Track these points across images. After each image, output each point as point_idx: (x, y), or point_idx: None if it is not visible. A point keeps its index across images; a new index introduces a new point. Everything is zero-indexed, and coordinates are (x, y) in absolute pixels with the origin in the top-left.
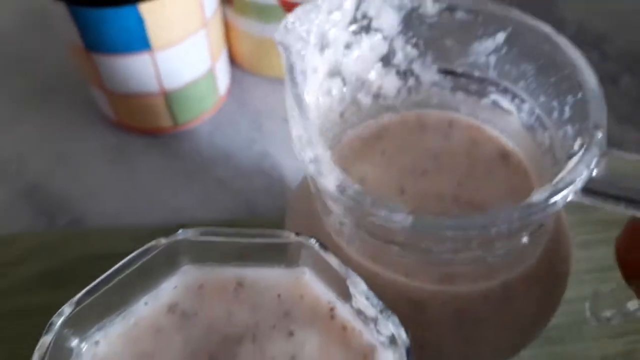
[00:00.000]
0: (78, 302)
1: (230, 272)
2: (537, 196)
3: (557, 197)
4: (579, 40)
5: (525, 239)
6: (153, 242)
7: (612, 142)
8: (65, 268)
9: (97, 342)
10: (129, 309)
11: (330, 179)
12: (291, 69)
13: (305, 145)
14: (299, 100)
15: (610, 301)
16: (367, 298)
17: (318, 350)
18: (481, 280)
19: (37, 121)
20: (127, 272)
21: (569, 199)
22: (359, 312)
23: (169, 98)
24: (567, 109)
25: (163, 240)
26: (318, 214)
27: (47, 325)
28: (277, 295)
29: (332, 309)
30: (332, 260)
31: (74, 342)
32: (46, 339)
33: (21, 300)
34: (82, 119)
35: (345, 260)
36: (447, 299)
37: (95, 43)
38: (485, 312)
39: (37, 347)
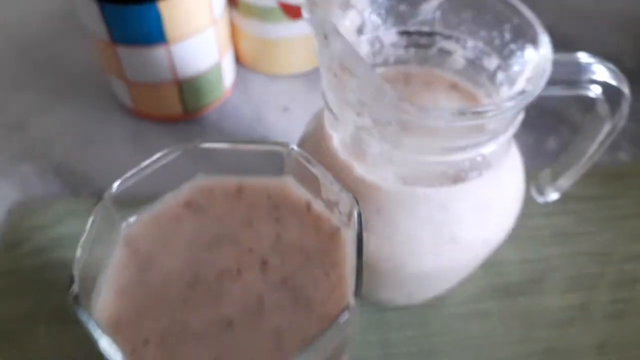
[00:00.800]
0: (119, 186)
1: (233, 180)
2: (527, 87)
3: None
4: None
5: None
6: (172, 148)
7: None
8: None
9: (130, 224)
10: (156, 201)
11: None
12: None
13: None
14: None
15: (549, 182)
16: (331, 183)
17: (297, 231)
18: (459, 182)
19: (65, 110)
20: (154, 168)
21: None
22: (327, 203)
23: (181, 87)
24: (506, 34)
25: (183, 146)
26: (326, 145)
27: (99, 200)
28: (268, 196)
29: (308, 205)
30: (307, 161)
31: (116, 218)
32: (100, 205)
33: (55, 254)
34: (104, 108)
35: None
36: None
37: (120, 36)
38: (466, 209)
39: (92, 213)
